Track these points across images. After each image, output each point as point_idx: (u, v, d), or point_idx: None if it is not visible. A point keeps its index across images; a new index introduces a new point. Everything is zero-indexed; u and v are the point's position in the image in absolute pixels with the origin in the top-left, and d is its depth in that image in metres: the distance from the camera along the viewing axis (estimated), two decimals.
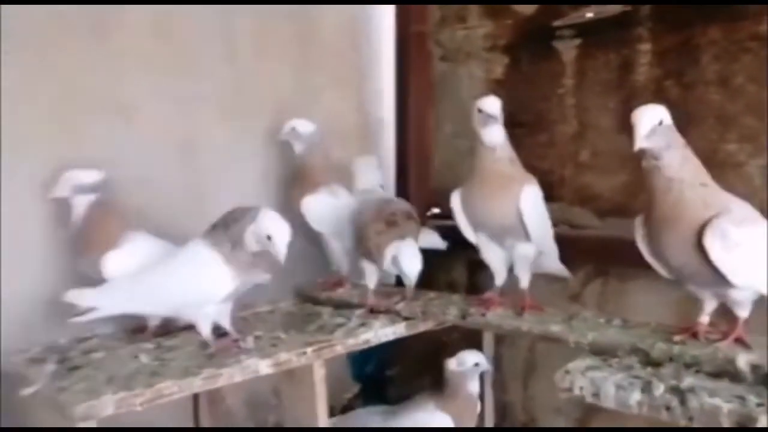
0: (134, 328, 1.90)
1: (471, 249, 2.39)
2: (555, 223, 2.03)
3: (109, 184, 1.86)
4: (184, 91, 2.13)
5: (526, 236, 1.75)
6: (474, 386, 1.99)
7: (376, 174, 2.14)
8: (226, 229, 1.64)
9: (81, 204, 1.82)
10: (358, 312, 1.98)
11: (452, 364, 1.98)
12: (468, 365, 1.96)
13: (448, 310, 1.86)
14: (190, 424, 2.15)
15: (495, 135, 1.72)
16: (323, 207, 2.17)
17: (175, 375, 1.56)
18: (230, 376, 1.61)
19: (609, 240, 2.08)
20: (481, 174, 1.74)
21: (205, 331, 1.71)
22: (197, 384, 1.56)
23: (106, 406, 1.44)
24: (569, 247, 1.97)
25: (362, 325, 1.88)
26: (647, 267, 1.98)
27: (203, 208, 2.08)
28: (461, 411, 1.98)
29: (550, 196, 2.16)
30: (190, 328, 1.90)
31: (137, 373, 1.59)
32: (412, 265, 1.79)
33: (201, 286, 1.66)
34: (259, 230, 1.61)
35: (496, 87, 2.29)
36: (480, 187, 1.74)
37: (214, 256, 1.63)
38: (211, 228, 1.68)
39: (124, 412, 1.45)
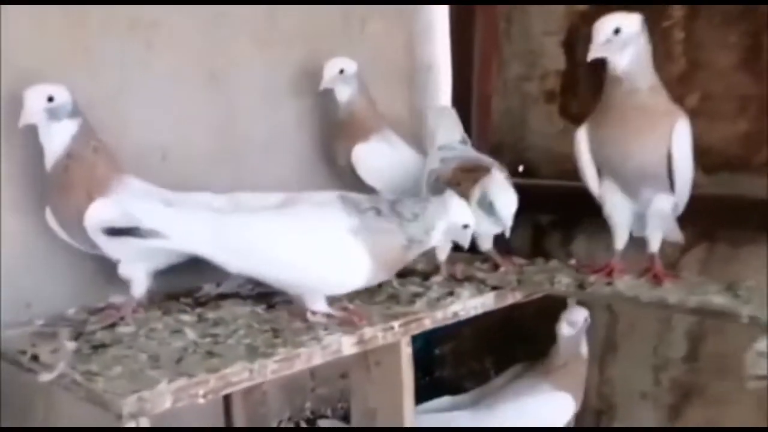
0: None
1: (536, 211, 2.09)
2: None
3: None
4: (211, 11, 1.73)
5: (670, 186, 1.43)
6: (585, 349, 1.67)
7: (457, 126, 1.79)
8: (387, 217, 1.32)
9: (59, 134, 1.38)
10: (436, 279, 1.63)
11: (563, 328, 1.66)
12: (579, 325, 1.64)
13: (557, 278, 1.52)
14: (219, 414, 1.79)
15: (632, 60, 1.38)
16: (377, 157, 1.82)
17: (240, 356, 1.20)
18: (309, 357, 1.25)
19: (718, 199, 1.77)
20: (617, 108, 1.40)
21: (320, 304, 1.37)
22: (271, 368, 1.20)
23: (162, 399, 1.07)
24: None
25: (450, 294, 1.54)
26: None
27: (228, 154, 1.77)
28: (577, 383, 1.67)
29: None
30: (233, 296, 1.55)
31: (189, 354, 1.23)
32: (506, 203, 1.45)
33: (334, 275, 1.33)
34: (456, 219, 1.36)
35: (579, 20, 1.96)
36: (617, 124, 1.40)
37: (358, 246, 1.30)
38: (355, 207, 1.33)
39: None
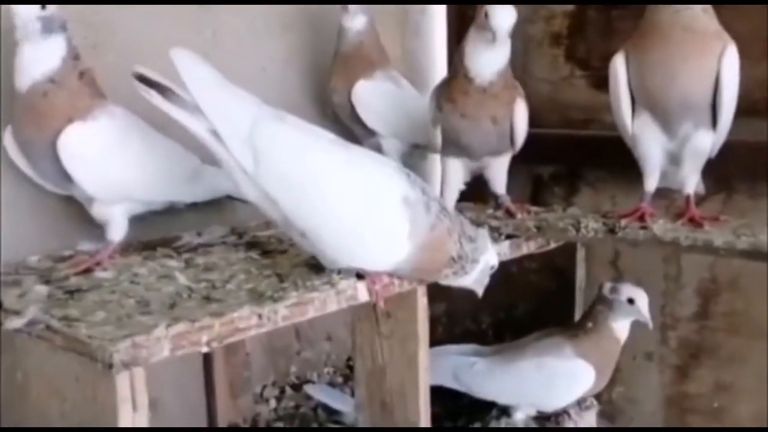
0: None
1: (537, 162, 1.96)
2: None
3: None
4: None
5: (712, 121, 1.30)
6: (619, 327, 1.54)
7: None
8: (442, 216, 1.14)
9: (47, 52, 1.17)
10: None
11: (605, 288, 1.53)
12: (622, 297, 1.51)
13: (582, 223, 1.39)
14: (199, 377, 1.61)
15: None
16: (380, 96, 1.65)
17: (244, 301, 1.04)
18: (323, 303, 1.09)
19: (736, 145, 1.66)
20: (663, 28, 1.26)
21: None
22: (282, 314, 1.03)
23: (160, 345, 0.89)
24: None
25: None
26: None
27: None
28: (603, 359, 1.54)
29: None
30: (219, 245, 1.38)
31: (183, 299, 1.05)
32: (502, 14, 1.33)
33: (373, 240, 1.11)
34: (490, 259, 1.21)
35: None
36: (661, 46, 1.26)
37: (405, 221, 1.09)
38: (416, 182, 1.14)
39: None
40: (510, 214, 1.52)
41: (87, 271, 1.20)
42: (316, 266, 1.17)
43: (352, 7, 1.60)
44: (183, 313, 0.97)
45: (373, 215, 1.08)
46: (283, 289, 1.09)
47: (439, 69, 2.07)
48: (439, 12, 2.06)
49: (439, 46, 2.08)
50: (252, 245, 1.39)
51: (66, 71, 1.18)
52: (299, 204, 1.07)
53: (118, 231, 1.27)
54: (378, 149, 1.66)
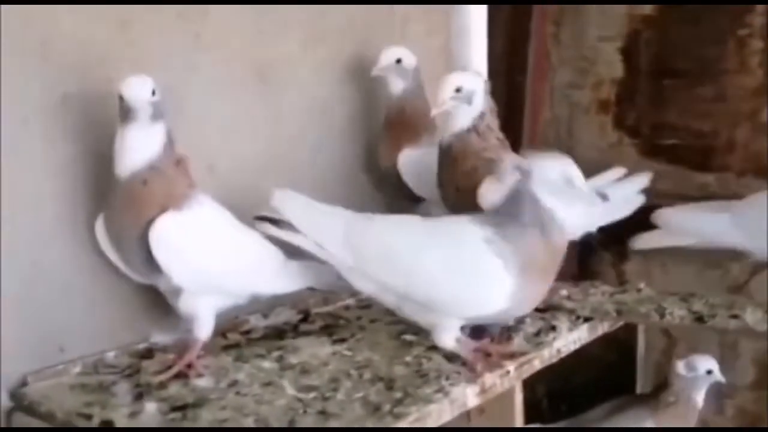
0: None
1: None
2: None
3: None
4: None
5: None
6: (700, 398, 1.54)
7: None
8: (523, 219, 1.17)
9: (151, 139, 1.13)
10: None
11: (680, 367, 1.52)
12: (700, 372, 1.51)
13: (668, 309, 1.38)
14: None
15: None
16: (426, 163, 1.62)
17: (362, 415, 1.01)
18: (439, 415, 1.06)
19: None
20: None
21: (450, 337, 1.19)
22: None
23: None
24: None
25: (551, 329, 1.37)
26: None
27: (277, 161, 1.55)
28: (680, 425, 1.54)
29: (709, 165, 1.77)
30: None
31: (300, 415, 1.02)
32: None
33: (471, 290, 1.17)
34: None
35: (643, 25, 1.83)
36: None
37: (494, 258, 1.15)
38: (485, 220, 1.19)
39: None
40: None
41: (179, 374, 1.15)
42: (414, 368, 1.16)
43: (395, 72, 1.60)
44: None
45: (464, 258, 1.17)
46: (398, 400, 1.05)
47: None
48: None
49: None
50: (327, 331, 1.37)
51: (166, 159, 1.14)
52: (400, 277, 1.19)
53: (205, 328, 1.22)
54: (428, 215, 1.64)
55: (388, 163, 1.64)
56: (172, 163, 1.16)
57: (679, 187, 1.79)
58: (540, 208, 1.17)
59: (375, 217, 1.27)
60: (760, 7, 1.68)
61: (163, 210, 1.14)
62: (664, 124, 1.83)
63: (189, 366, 1.18)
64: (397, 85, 1.61)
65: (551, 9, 1.94)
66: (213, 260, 1.20)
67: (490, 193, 1.19)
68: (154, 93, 1.12)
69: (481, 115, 1.33)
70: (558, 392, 1.90)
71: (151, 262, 1.16)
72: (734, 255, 1.68)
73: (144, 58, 1.29)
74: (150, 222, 1.13)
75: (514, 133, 1.94)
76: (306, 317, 1.47)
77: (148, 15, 1.30)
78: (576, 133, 1.97)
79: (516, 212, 1.16)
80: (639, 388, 1.75)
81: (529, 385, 1.96)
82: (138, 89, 1.10)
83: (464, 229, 1.18)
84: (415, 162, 1.61)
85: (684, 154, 1.81)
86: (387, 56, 1.60)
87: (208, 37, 1.41)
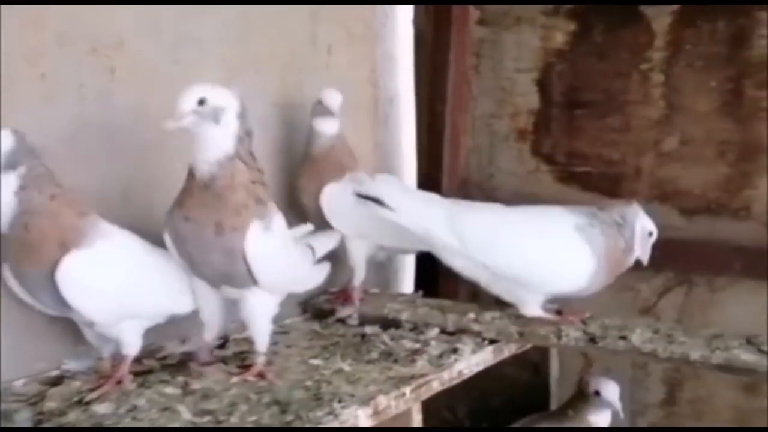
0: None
1: None
2: None
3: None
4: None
5: None
6: (600, 421, 1.60)
7: None
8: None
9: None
10: (433, 333, 1.52)
11: (582, 383, 1.60)
12: (591, 390, 1.59)
13: (564, 331, 1.44)
14: None
15: None
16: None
17: None
18: None
19: (696, 243, 1.78)
20: None
21: (535, 306, 1.52)
22: None
23: None
24: None
25: (453, 351, 1.43)
26: (748, 274, 1.73)
27: None
28: None
29: (619, 191, 1.85)
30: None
31: None
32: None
33: (560, 270, 1.47)
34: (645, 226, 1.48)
35: (556, 58, 1.92)
36: None
37: (583, 244, 1.43)
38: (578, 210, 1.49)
39: None
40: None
41: (80, 401, 1.18)
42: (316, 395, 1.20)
43: (321, 115, 1.63)
44: None
45: (558, 243, 1.45)
46: (289, 423, 1.10)
47: (407, 159, 2.13)
48: (407, 104, 2.12)
49: (406, 137, 2.14)
50: (240, 357, 1.40)
51: (36, 198, 1.15)
52: (502, 257, 1.46)
53: (132, 346, 1.27)
54: (344, 251, 1.69)
55: (309, 198, 1.66)
56: (46, 200, 1.15)
57: None
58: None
59: (476, 205, 1.54)
60: (659, 43, 1.77)
61: (62, 245, 1.16)
62: (577, 153, 1.91)
63: (119, 383, 1.22)
64: (321, 124, 1.63)
65: (470, 40, 2.01)
66: (122, 292, 1.23)
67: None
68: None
69: (240, 140, 1.20)
70: (478, 412, 1.95)
71: (62, 300, 1.18)
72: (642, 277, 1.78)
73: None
74: (54, 263, 1.15)
75: (435, 161, 2.02)
76: (224, 344, 1.50)
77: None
78: (496, 161, 2.04)
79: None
80: (553, 407, 1.81)
81: (449, 407, 2.04)
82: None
83: (560, 215, 1.46)
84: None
85: (596, 181, 1.89)
86: (331, 98, 1.62)
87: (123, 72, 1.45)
